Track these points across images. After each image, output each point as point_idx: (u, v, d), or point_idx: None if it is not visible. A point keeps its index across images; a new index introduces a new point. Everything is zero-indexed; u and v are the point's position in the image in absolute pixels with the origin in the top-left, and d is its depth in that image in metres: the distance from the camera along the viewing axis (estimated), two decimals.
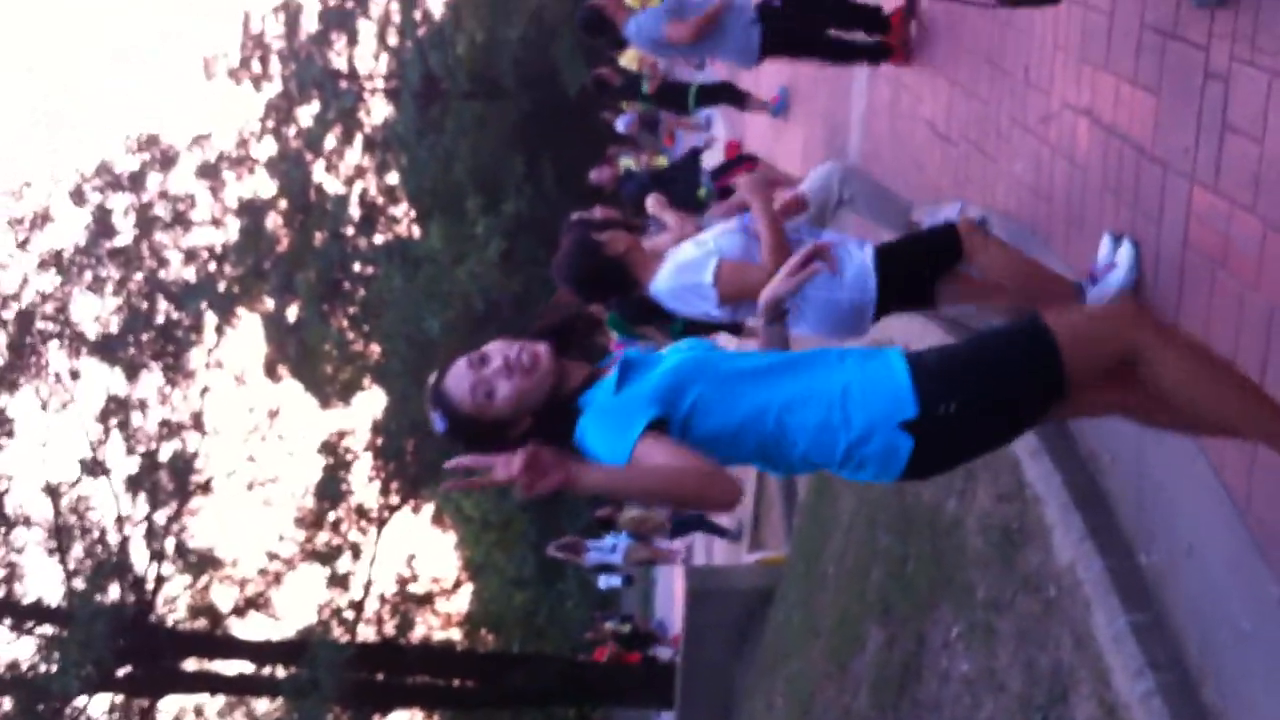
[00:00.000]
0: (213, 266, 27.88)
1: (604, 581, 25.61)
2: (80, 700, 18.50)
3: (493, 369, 2.50)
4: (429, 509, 32.95)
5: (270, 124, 32.44)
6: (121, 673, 18.89)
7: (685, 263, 3.87)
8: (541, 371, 2.52)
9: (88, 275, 23.63)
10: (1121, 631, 3.50)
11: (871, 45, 6.86)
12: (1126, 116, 3.95)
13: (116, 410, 21.53)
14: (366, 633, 22.60)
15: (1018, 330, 2.51)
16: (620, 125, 15.48)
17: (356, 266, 31.13)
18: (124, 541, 20.55)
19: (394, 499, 25.66)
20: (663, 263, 3.94)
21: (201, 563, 21.99)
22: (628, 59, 13.56)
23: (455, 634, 30.63)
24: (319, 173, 32.74)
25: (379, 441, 26.37)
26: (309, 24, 33.11)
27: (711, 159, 15.60)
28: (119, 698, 20.12)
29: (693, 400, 2.46)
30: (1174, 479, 3.55)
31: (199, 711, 21.92)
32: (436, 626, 28.00)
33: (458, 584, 32.49)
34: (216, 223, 29.56)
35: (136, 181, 26.29)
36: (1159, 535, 3.64)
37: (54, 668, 17.61)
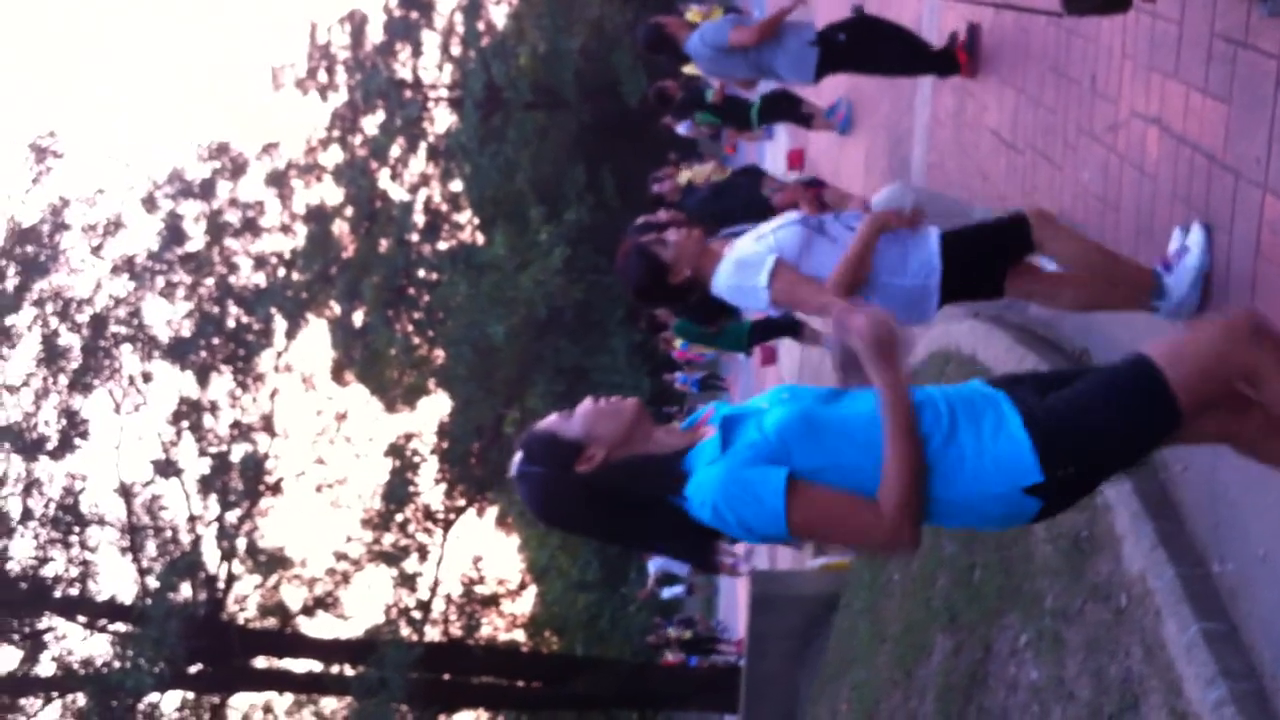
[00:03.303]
0: (281, 272, 28.28)
1: (667, 592, 25.69)
2: (153, 697, 18.82)
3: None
4: (493, 512, 33.19)
5: (336, 133, 32.89)
6: (193, 670, 19.20)
7: (744, 259, 3.83)
8: (627, 413, 2.50)
9: (160, 280, 24.07)
10: (1194, 640, 3.49)
11: (937, 57, 6.91)
12: (1196, 125, 3.95)
13: (188, 412, 21.91)
14: (433, 633, 22.80)
15: (1127, 375, 2.42)
16: (682, 128, 15.52)
17: (421, 273, 31.44)
18: (196, 541, 20.91)
19: (459, 501, 25.87)
20: (723, 258, 3.91)
21: (271, 562, 22.30)
22: (691, 68, 13.60)
23: (519, 636, 30.80)
24: (384, 181, 33.14)
25: (444, 445, 26.60)
26: (374, 35, 33.54)
27: (771, 164, 15.63)
28: (190, 695, 20.47)
29: (803, 463, 2.34)
30: (1247, 487, 3.54)
31: (268, 709, 22.20)
32: (501, 628, 28.16)
33: (522, 586, 32.66)
34: (285, 229, 30.03)
35: (207, 189, 26.75)
36: (1232, 544, 3.63)
37: (127, 665, 17.93)
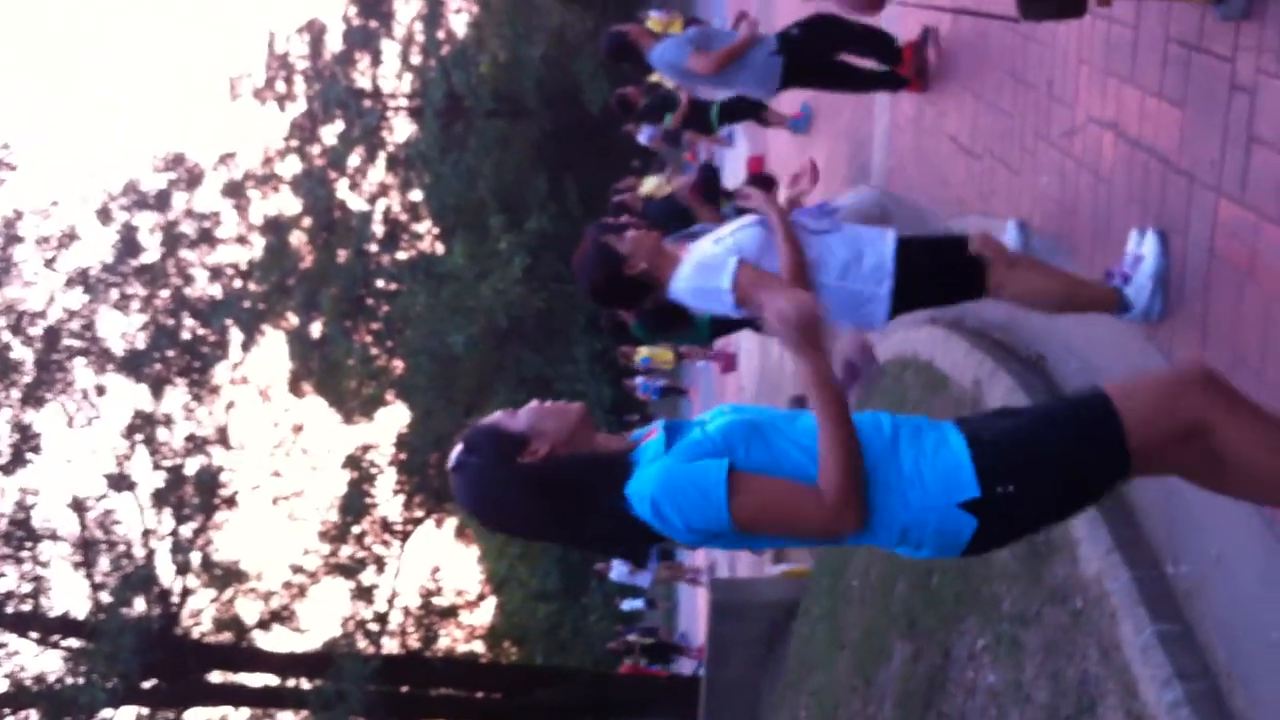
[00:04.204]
0: (238, 284, 28.07)
1: (627, 604, 25.65)
2: (106, 713, 18.56)
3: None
4: (452, 523, 33.02)
5: (295, 143, 32.71)
6: (147, 685, 18.97)
7: (704, 262, 3.80)
8: (573, 414, 2.49)
9: (114, 293, 23.81)
10: (1149, 642, 3.50)
11: (886, 75, 6.93)
12: (1152, 129, 3.97)
13: (142, 426, 21.66)
14: (391, 645, 22.62)
15: (1082, 407, 2.42)
16: (643, 137, 15.53)
17: (380, 283, 31.31)
18: (150, 555, 20.66)
19: (417, 513, 25.72)
20: (682, 261, 3.88)
21: (227, 576, 22.07)
22: (656, 75, 13.61)
23: (479, 647, 30.63)
24: (343, 190, 33.00)
25: (402, 456, 26.45)
26: (333, 44, 33.42)
27: (731, 172, 15.67)
28: (145, 711, 20.20)
29: (745, 461, 2.34)
30: (1200, 490, 3.55)
31: None
32: (460, 639, 27.97)
33: (481, 597, 32.48)
34: (242, 240, 29.79)
35: (163, 200, 26.51)
36: (1186, 546, 3.64)
37: (80, 681, 17.71)
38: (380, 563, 23.33)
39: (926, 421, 2.48)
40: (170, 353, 23.80)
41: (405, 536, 24.51)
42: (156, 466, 21.27)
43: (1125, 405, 2.36)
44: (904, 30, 7.17)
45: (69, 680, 18.01)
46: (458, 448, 2.48)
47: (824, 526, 2.32)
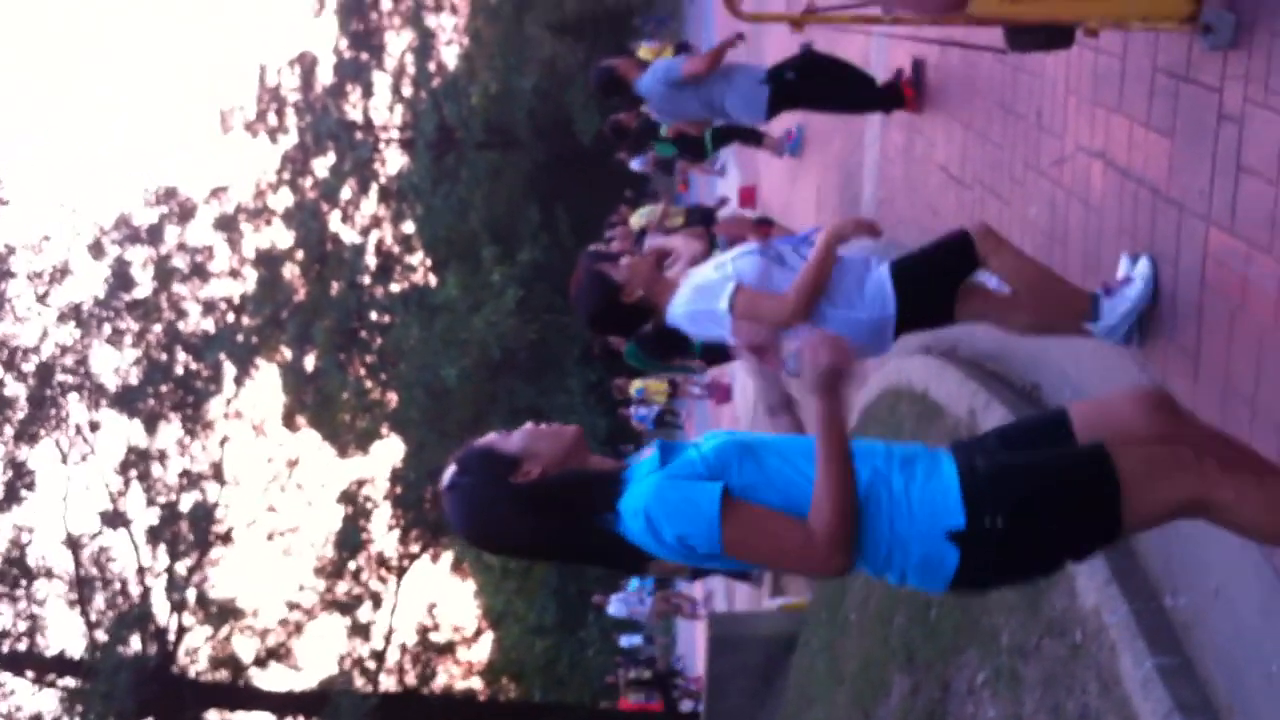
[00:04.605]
0: (231, 317, 28.07)
1: (626, 641, 25.52)
2: None
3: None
4: (448, 557, 32.90)
5: (287, 176, 32.76)
6: None
7: (702, 286, 3.77)
8: (567, 436, 2.49)
9: (107, 328, 23.81)
10: (1149, 675, 3.47)
11: (884, 92, 6.97)
12: (1141, 159, 3.96)
13: (136, 462, 21.63)
14: (388, 682, 22.53)
15: (1082, 457, 2.40)
16: (635, 164, 15.57)
17: (373, 315, 31.30)
18: (145, 593, 20.59)
19: (414, 547, 25.63)
20: (679, 286, 3.85)
21: (222, 613, 21.99)
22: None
23: (477, 683, 30.47)
24: (335, 223, 33.05)
25: (398, 490, 26.38)
26: (324, 76, 33.51)
27: (725, 203, 15.70)
28: None
29: (738, 480, 2.33)
30: (1198, 522, 3.52)
31: None
32: (458, 676, 27.87)
33: (478, 632, 32.35)
34: (234, 274, 29.81)
35: (155, 234, 26.54)
36: (1185, 578, 3.61)
37: (77, 719, 17.61)
38: (377, 599, 23.26)
39: (922, 449, 2.47)
40: (164, 388, 23.79)
41: (401, 572, 24.43)
42: (151, 503, 21.23)
43: (1126, 464, 2.32)
44: (894, 61, 7.20)
45: (65, 719, 17.90)
46: (451, 468, 2.48)
47: (809, 565, 2.32)
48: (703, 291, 3.76)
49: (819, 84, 6.92)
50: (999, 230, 3.93)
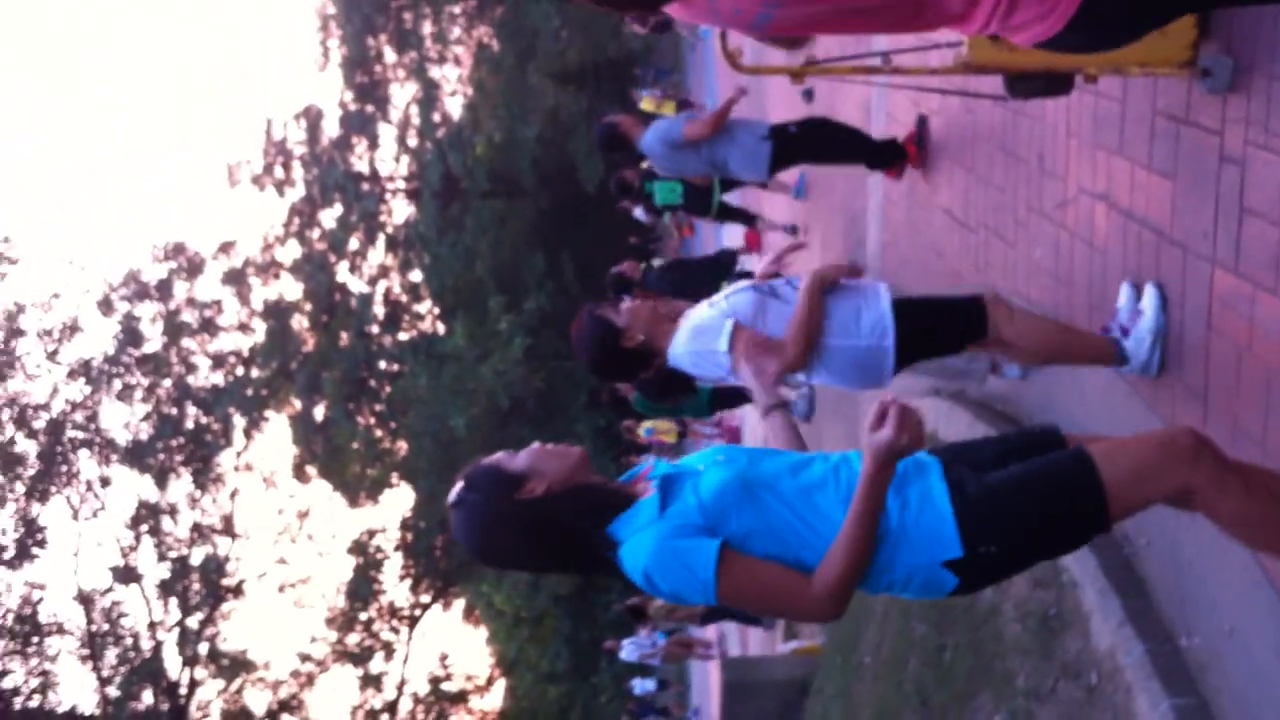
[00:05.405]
0: (240, 370, 28.15)
1: (639, 687, 25.31)
2: None
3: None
4: (460, 605, 32.77)
5: (294, 228, 32.97)
6: None
7: (701, 326, 3.75)
8: (573, 456, 2.54)
9: (117, 383, 23.89)
10: (1165, 716, 3.46)
11: (885, 150, 7.05)
12: (1144, 200, 3.99)
13: (147, 516, 21.66)
14: None
15: (1065, 472, 2.46)
16: (639, 212, 15.63)
17: (382, 364, 31.37)
18: (157, 647, 20.54)
19: (425, 596, 25.55)
20: (679, 327, 3.83)
21: (234, 666, 21.93)
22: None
23: None
24: (343, 273, 33.20)
25: (408, 539, 26.33)
26: (330, 129, 33.79)
27: (730, 244, 15.73)
28: None
29: (737, 527, 2.38)
30: (1210, 562, 3.53)
31: None
32: None
33: (491, 681, 32.14)
34: (243, 327, 29.94)
35: (164, 289, 26.69)
36: (1198, 618, 3.61)
37: None
38: (389, 649, 23.18)
39: (911, 465, 2.51)
40: (174, 442, 23.82)
41: (413, 621, 24.35)
42: (162, 557, 21.23)
43: (1110, 472, 2.40)
44: (895, 109, 7.27)
45: None
46: (458, 485, 2.54)
47: (805, 614, 2.40)
48: (702, 332, 3.77)
49: (821, 141, 7.00)
50: (1008, 302, 3.92)
